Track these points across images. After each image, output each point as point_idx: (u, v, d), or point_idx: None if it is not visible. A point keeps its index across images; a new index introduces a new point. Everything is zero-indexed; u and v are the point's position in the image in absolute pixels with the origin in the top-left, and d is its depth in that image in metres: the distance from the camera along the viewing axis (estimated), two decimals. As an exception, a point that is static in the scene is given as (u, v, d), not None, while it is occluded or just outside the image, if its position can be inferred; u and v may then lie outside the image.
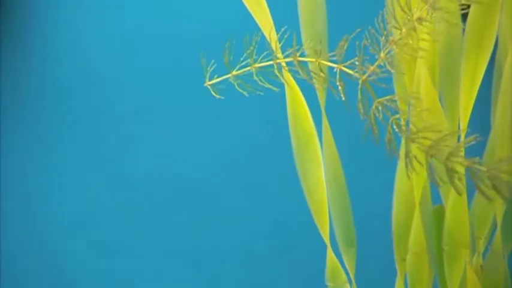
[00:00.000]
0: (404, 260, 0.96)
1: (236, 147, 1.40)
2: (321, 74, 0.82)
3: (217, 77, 0.88)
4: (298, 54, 0.84)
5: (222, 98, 0.88)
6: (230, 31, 1.38)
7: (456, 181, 0.76)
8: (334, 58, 0.83)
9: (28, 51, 1.46)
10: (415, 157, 0.80)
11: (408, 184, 0.95)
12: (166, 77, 1.42)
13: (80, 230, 1.44)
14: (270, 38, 0.88)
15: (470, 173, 0.76)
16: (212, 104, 1.37)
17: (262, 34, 0.90)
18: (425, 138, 0.78)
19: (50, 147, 1.46)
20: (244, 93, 0.87)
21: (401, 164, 0.95)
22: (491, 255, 0.96)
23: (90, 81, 1.44)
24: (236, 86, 0.87)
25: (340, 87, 0.81)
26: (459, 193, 0.77)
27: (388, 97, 0.81)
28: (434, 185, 0.95)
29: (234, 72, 0.87)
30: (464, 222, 0.93)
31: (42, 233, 1.46)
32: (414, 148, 0.79)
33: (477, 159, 0.76)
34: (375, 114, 0.80)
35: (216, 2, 1.40)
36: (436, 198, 0.96)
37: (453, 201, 0.93)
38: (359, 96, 0.81)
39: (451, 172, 0.76)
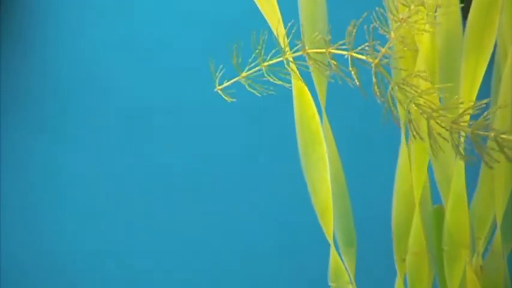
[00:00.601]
0: (404, 260, 0.96)
1: (239, 146, 1.40)
2: (333, 62, 0.81)
3: (226, 80, 0.88)
4: (307, 47, 0.84)
5: (234, 100, 0.88)
6: (232, 31, 1.39)
7: (487, 154, 0.76)
8: (342, 47, 0.82)
9: (28, 51, 1.46)
10: (440, 134, 0.79)
11: (408, 184, 0.95)
12: (166, 77, 1.42)
13: (80, 229, 1.44)
14: (278, 34, 0.87)
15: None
16: (215, 103, 1.37)
17: (269, 32, 0.89)
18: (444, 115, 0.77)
19: (50, 148, 1.45)
20: (256, 93, 0.87)
21: (401, 163, 0.95)
22: (491, 256, 0.96)
23: (91, 82, 1.44)
24: (247, 87, 0.87)
25: (353, 73, 0.81)
26: (491, 166, 0.77)
27: (404, 77, 0.81)
28: (434, 185, 0.96)
29: (244, 74, 0.87)
30: (464, 222, 0.93)
31: (42, 233, 1.46)
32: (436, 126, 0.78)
33: (503, 129, 0.76)
34: (392, 97, 0.80)
35: (217, 4, 1.40)
36: (436, 198, 0.96)
37: (453, 201, 0.93)
38: (374, 80, 0.80)
39: (480, 146, 0.76)
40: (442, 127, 0.79)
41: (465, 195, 0.93)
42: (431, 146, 0.80)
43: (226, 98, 0.89)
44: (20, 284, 1.47)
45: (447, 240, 0.94)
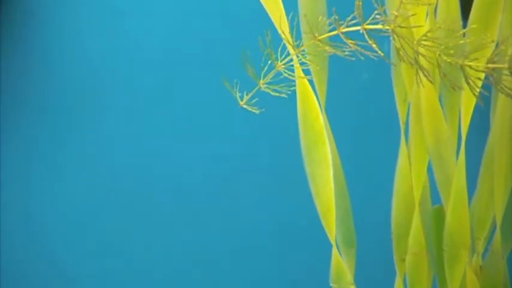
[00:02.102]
0: (403, 260, 0.96)
1: (242, 146, 1.40)
2: (350, 41, 0.80)
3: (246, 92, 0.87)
4: (317, 35, 0.83)
5: (263, 110, 0.87)
6: (231, 32, 1.39)
7: None
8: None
9: (28, 51, 1.46)
10: (479, 78, 0.78)
11: (407, 184, 0.95)
12: (167, 78, 1.42)
13: (80, 230, 1.44)
14: (283, 30, 0.87)
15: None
16: (218, 104, 1.37)
17: (272, 31, 0.89)
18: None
19: (51, 148, 1.45)
20: (283, 95, 0.86)
21: (401, 163, 0.95)
22: (491, 256, 0.96)
23: (91, 81, 1.44)
24: (271, 92, 0.86)
25: (374, 45, 0.79)
26: None
27: (425, 33, 0.79)
28: (434, 185, 0.96)
29: (262, 81, 0.87)
30: (465, 222, 0.93)
31: (43, 233, 1.46)
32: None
33: None
34: (417, 55, 0.78)
35: (219, 7, 1.41)
36: (435, 198, 0.96)
37: (454, 202, 0.93)
38: (397, 45, 0.79)
39: None
40: (478, 70, 0.77)
41: (466, 195, 0.93)
42: (474, 94, 0.79)
43: (254, 111, 0.88)
44: (20, 284, 1.47)
45: (448, 241, 0.94)
